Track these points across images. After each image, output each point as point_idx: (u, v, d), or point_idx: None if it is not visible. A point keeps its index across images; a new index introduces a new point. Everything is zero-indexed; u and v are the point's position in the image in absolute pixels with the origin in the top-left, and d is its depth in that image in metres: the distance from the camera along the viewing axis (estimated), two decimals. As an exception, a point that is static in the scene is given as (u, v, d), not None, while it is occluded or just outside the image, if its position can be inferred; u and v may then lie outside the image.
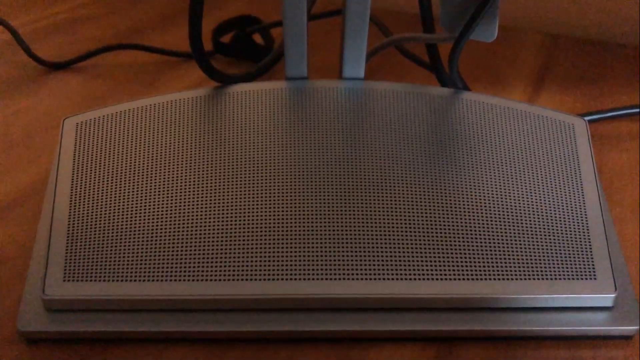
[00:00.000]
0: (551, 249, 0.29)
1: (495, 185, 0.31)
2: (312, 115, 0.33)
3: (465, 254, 0.29)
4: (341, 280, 0.28)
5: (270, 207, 0.30)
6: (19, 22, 0.61)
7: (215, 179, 0.31)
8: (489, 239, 0.30)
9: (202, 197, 0.30)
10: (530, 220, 0.30)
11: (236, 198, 0.30)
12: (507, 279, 0.29)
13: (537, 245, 0.30)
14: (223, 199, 0.30)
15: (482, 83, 0.51)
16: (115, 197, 0.30)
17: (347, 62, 0.35)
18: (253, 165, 0.31)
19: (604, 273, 0.29)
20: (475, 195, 0.31)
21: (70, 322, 0.28)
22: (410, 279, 0.28)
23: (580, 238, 0.30)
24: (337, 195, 0.30)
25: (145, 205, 0.30)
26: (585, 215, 0.31)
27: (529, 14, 0.63)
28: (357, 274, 0.28)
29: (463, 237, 0.29)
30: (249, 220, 0.30)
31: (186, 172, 0.31)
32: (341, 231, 0.29)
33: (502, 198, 0.31)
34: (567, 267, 0.29)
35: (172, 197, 0.30)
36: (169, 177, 0.31)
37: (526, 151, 0.32)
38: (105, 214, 0.30)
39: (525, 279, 0.29)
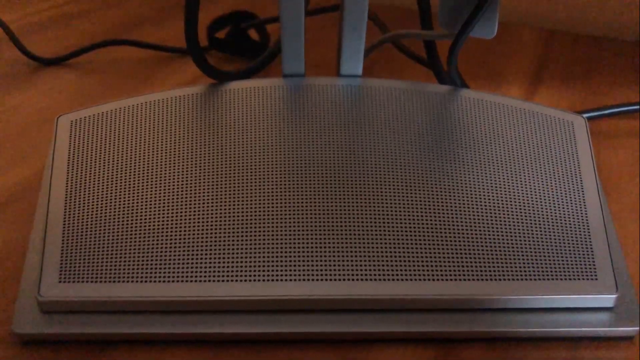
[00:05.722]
0: (551, 249, 0.29)
1: (494, 183, 0.31)
2: (309, 112, 0.33)
3: (463, 254, 0.29)
4: (340, 281, 0.28)
5: (267, 207, 0.30)
6: (11, 17, 0.61)
7: (212, 178, 0.30)
8: (488, 238, 0.29)
9: (198, 196, 0.30)
10: (529, 220, 0.30)
11: (233, 197, 0.30)
12: (507, 280, 0.28)
13: (537, 245, 0.29)
14: (220, 198, 0.30)
15: (479, 80, 0.50)
16: (111, 196, 0.30)
17: (345, 59, 0.34)
18: (250, 164, 0.31)
19: (605, 273, 0.29)
20: (474, 194, 0.30)
21: (66, 324, 0.28)
22: (409, 280, 0.28)
23: (580, 237, 0.30)
24: (335, 194, 0.30)
25: (141, 205, 0.30)
26: (586, 214, 0.30)
27: (526, 10, 0.63)
28: (355, 275, 0.28)
29: (461, 237, 0.29)
30: (246, 219, 0.29)
31: (182, 171, 0.31)
32: (340, 231, 0.29)
33: (500, 196, 0.31)
34: (567, 267, 0.29)
35: (168, 196, 0.30)
36: (165, 176, 0.31)
37: (525, 149, 0.32)
38: (101, 213, 0.29)
39: (525, 279, 0.28)
